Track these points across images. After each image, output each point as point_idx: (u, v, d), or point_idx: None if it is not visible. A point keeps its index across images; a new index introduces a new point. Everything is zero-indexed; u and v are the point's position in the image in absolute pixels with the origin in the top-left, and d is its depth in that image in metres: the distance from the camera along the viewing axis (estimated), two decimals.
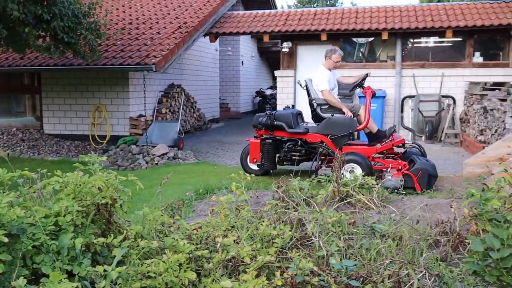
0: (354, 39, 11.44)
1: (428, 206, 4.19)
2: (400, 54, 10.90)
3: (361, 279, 2.38)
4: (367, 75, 6.80)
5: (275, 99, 12.40)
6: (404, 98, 10.92)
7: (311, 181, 5.03)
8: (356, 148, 6.44)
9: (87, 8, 8.16)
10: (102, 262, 2.62)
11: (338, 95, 6.95)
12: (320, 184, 5.12)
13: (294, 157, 6.63)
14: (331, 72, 6.83)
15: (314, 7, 27.18)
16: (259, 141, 6.82)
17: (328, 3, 32.65)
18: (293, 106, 7.23)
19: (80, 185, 2.70)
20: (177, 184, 6.63)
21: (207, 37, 12.09)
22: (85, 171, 2.90)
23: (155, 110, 11.08)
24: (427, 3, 11.52)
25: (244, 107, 18.43)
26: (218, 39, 13.36)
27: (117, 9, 13.16)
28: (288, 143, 6.64)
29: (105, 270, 2.19)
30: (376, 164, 6.25)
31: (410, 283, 2.37)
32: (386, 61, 11.31)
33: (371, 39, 11.33)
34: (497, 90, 8.63)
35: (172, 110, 11.55)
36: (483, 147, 7.52)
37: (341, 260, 2.51)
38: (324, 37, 10.83)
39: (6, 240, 2.16)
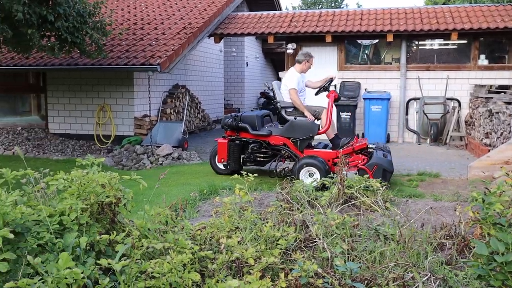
0: (359, 41, 11.42)
1: (432, 209, 4.18)
2: (405, 56, 10.87)
3: (366, 281, 2.37)
4: (332, 79, 6.87)
5: None
6: (409, 100, 10.89)
7: (316, 183, 5.03)
8: (317, 152, 6.46)
9: (92, 7, 8.18)
10: None
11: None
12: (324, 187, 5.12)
13: (258, 158, 6.76)
14: (301, 75, 6.96)
15: (319, 8, 27.18)
16: (226, 141, 6.90)
17: (333, 5, 32.61)
18: None
19: (84, 183, 2.70)
20: (182, 185, 6.63)
21: (212, 38, 12.11)
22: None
23: (160, 111, 11.09)
24: (432, 6, 11.47)
25: (248, 108, 18.41)
26: (222, 40, 13.36)
27: (122, 10, 13.18)
28: (252, 145, 6.74)
29: (109, 263, 2.20)
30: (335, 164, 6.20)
31: (415, 287, 2.35)
32: (391, 63, 11.28)
33: (375, 41, 11.31)
34: (502, 93, 8.59)
35: (176, 111, 11.56)
36: (489, 150, 7.49)
37: (345, 262, 2.50)
38: (329, 38, 10.82)
39: (11, 236, 2.16)
